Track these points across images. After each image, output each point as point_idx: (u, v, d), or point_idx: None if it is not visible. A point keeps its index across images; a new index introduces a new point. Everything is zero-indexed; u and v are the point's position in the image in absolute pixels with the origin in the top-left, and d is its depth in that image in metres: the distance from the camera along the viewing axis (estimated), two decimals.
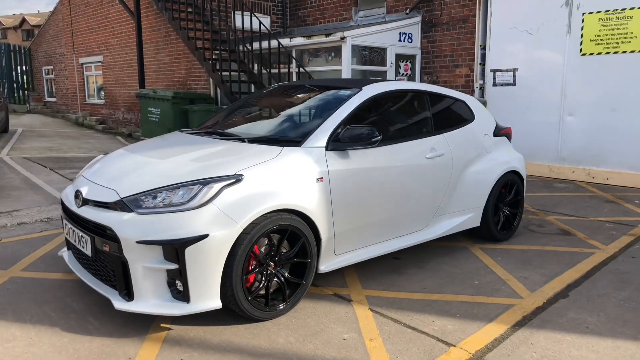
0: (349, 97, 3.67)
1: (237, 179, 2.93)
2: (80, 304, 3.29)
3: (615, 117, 7.31)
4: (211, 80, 10.94)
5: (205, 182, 2.87)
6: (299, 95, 4.14)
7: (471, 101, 4.67)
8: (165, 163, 3.17)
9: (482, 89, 8.68)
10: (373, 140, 3.31)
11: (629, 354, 2.78)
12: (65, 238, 3.48)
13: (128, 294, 2.87)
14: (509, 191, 4.80)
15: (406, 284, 3.73)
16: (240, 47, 9.32)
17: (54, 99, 19.15)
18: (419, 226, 4.05)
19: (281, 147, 3.23)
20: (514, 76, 8.24)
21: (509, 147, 4.91)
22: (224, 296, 2.88)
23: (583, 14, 7.43)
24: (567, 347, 2.85)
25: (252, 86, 9.44)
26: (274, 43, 8.73)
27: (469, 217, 4.42)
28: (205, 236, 2.75)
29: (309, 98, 4.01)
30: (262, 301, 3.05)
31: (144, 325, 3.01)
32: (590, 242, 4.77)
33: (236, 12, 9.82)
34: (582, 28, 7.45)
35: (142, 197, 2.89)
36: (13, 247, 4.42)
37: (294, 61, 8.95)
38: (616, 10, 7.12)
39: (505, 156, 4.74)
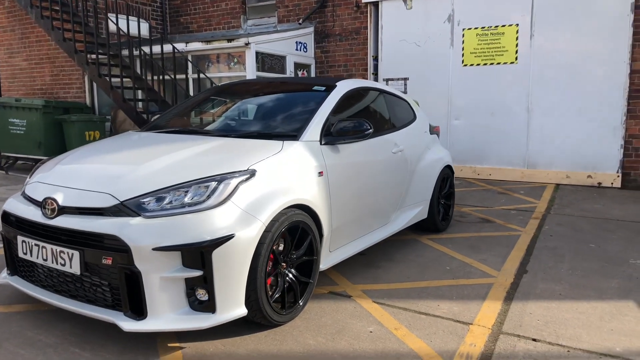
0: (328, 92, 3.64)
1: (251, 174, 2.72)
2: (50, 335, 2.72)
3: (493, 120, 8.32)
4: (87, 87, 9.87)
5: (220, 179, 2.61)
6: (267, 92, 3.97)
7: (411, 102, 4.95)
8: (161, 161, 2.79)
9: None
10: (366, 132, 3.33)
11: (607, 311, 3.19)
12: (18, 259, 2.85)
13: (137, 312, 2.46)
14: (444, 184, 5.17)
15: (389, 276, 3.79)
16: (126, 52, 8.59)
17: None
18: (386, 220, 4.16)
19: (281, 141, 3.08)
20: (405, 85, 8.90)
21: (440, 144, 5.30)
22: (247, 302, 2.63)
23: (463, 29, 8.35)
24: (558, 312, 3.17)
25: (140, 92, 8.73)
26: (167, 48, 8.21)
27: (420, 210, 4.66)
28: (232, 236, 2.49)
29: (282, 94, 3.88)
30: (277, 305, 2.85)
31: (148, 347, 2.61)
32: (510, 227, 5.35)
33: (118, 15, 9.02)
34: (463, 42, 8.37)
35: (147, 199, 2.52)
36: None
37: (190, 67, 8.52)
38: (490, 27, 8.15)
39: (440, 152, 5.11)
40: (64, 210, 2.59)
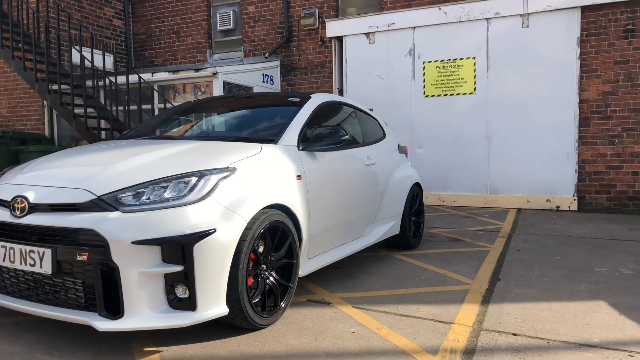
0: (303, 102, 3.70)
1: (232, 171, 2.70)
2: (15, 345, 2.54)
3: (456, 149, 8.60)
4: (47, 119, 9.63)
5: (200, 174, 2.58)
6: (245, 104, 4.00)
7: (380, 120, 5.08)
8: (139, 159, 2.74)
9: None
10: (342, 138, 3.38)
11: (580, 309, 3.26)
12: None
13: (113, 311, 2.34)
14: (414, 202, 5.25)
15: (367, 285, 3.77)
16: (90, 82, 8.48)
17: None
18: (361, 232, 4.17)
19: (260, 144, 3.08)
20: None
21: (408, 164, 5.42)
22: (228, 301, 2.55)
23: (424, 62, 8.72)
24: (534, 311, 3.22)
25: (103, 122, 8.57)
26: (133, 79, 8.17)
27: (393, 225, 4.70)
28: (213, 231, 2.44)
29: (259, 105, 3.91)
30: (259, 307, 2.78)
31: (123, 352, 2.47)
32: (479, 244, 5.46)
33: (85, 49, 8.96)
34: (424, 74, 8.72)
35: (126, 194, 2.45)
36: None
37: (156, 97, 8.48)
38: (449, 60, 8.55)
39: (409, 171, 5.22)
40: (35, 209, 2.49)
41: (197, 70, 8.17)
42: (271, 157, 3.03)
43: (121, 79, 8.18)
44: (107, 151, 3.04)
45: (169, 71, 8.48)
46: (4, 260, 2.52)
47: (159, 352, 2.49)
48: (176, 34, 10.81)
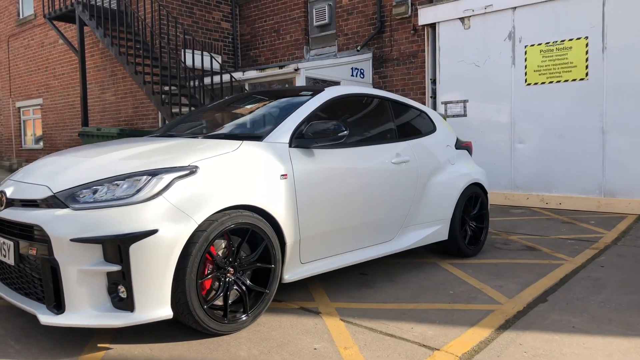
0: (310, 97, 3.47)
1: (191, 170, 2.61)
2: (0, 328, 2.77)
3: (563, 144, 7.50)
4: (160, 117, 10.58)
5: (153, 173, 2.53)
6: (258, 101, 3.91)
7: (432, 113, 4.60)
8: (106, 157, 2.80)
9: None
10: (340, 135, 3.09)
11: (622, 349, 2.58)
12: None
13: (58, 306, 2.42)
14: (473, 205, 4.66)
15: (378, 296, 3.42)
16: (191, 83, 9.09)
17: None
18: (388, 236, 3.80)
19: (240, 141, 2.95)
20: (465, 107, 8.40)
21: (470, 160, 4.83)
22: (175, 304, 2.48)
23: (525, 46, 7.75)
24: (557, 345, 2.62)
25: None
26: (226, 78, 8.56)
27: (437, 229, 4.22)
28: (154, 232, 2.38)
29: (268, 102, 3.78)
30: (220, 313, 2.66)
31: (77, 345, 2.54)
32: (556, 255, 4.67)
33: (187, 50, 9.66)
34: (526, 60, 7.75)
35: (79, 192, 2.50)
36: None
37: None
38: (556, 42, 7.47)
39: (468, 169, 4.64)
40: (11, 203, 2.67)
41: (280, 67, 8.27)
42: (248, 155, 2.87)
43: (224, 78, 8.60)
44: (95, 149, 3.15)
45: (256, 69, 8.72)
46: None
47: (107, 349, 2.50)
48: (277, 32, 11.10)
